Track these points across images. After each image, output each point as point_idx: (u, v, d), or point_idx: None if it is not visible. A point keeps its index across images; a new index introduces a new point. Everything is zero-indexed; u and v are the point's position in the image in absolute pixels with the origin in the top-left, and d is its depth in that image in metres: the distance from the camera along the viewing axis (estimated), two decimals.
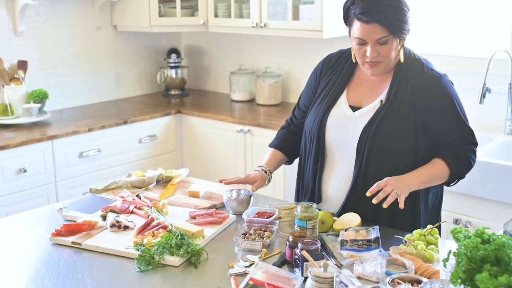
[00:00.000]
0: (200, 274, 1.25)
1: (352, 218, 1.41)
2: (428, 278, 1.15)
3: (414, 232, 1.34)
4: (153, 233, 1.39)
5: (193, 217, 1.52)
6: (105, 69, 3.16)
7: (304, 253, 1.18)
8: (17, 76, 2.73)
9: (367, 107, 1.47)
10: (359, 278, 1.17)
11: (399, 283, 1.10)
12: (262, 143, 2.63)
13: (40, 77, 2.87)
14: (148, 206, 1.56)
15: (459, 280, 0.93)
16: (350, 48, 1.51)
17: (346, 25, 1.45)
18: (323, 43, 2.77)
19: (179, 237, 1.32)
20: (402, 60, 1.44)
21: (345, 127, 1.48)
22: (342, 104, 1.50)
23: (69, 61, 3.00)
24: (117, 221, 1.45)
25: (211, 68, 3.42)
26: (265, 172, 1.58)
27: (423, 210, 1.48)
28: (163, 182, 1.79)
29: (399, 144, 1.43)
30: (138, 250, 1.30)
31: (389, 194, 1.33)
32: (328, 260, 1.26)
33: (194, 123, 2.93)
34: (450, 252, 0.98)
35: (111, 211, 1.52)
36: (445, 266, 1.05)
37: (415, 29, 2.52)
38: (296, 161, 1.66)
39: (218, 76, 3.38)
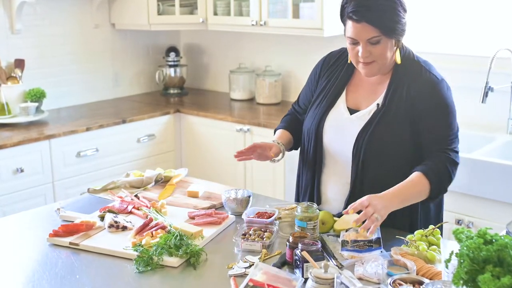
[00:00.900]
0: (199, 275, 1.25)
1: (353, 219, 1.40)
2: (430, 279, 1.15)
3: (415, 232, 1.34)
4: (152, 234, 1.38)
5: (192, 218, 1.51)
6: (103, 68, 3.15)
7: (305, 253, 1.18)
8: (14, 75, 2.71)
9: (364, 111, 1.45)
10: (360, 279, 1.17)
11: (400, 284, 1.09)
12: None
13: (38, 76, 2.86)
14: (147, 206, 1.56)
15: (461, 281, 0.93)
16: None
17: (343, 24, 1.44)
18: (323, 41, 2.76)
19: (178, 237, 1.31)
20: (398, 62, 1.42)
21: (341, 131, 1.47)
22: (340, 106, 1.48)
23: (67, 60, 2.99)
24: (115, 222, 1.44)
25: (210, 67, 3.41)
26: (278, 143, 1.54)
27: (420, 210, 1.46)
28: (161, 182, 1.78)
29: (395, 150, 1.40)
30: (137, 251, 1.30)
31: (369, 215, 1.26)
32: (329, 261, 1.25)
33: (193, 123, 2.92)
34: (452, 253, 0.98)
35: (109, 211, 1.52)
36: (447, 267, 1.04)
37: (417, 27, 2.55)
38: (296, 161, 1.64)
39: (218, 75, 3.37)
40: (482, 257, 0.91)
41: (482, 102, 2.18)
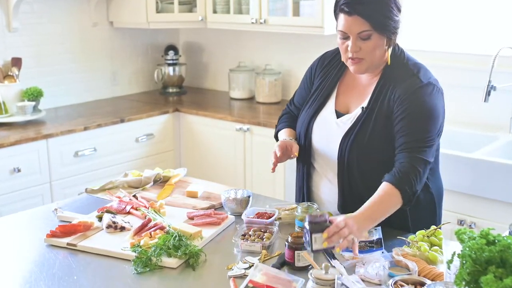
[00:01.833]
0: (198, 276, 1.24)
1: None
2: (432, 280, 1.15)
3: (417, 233, 1.34)
4: (150, 234, 1.38)
5: (191, 218, 1.51)
6: (101, 67, 3.14)
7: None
8: (11, 74, 2.70)
9: (349, 115, 1.43)
10: (361, 280, 1.15)
11: (402, 286, 1.10)
12: (262, 142, 2.61)
13: (35, 75, 2.85)
14: (145, 207, 1.55)
15: (464, 283, 0.93)
16: None
17: (335, 19, 1.42)
18: (324, 39, 2.75)
19: (176, 238, 1.31)
20: (388, 63, 1.40)
21: (328, 134, 1.46)
22: (328, 109, 1.47)
23: (65, 58, 2.97)
24: (114, 222, 1.44)
25: (209, 66, 3.40)
26: (292, 139, 1.51)
27: (409, 212, 1.43)
28: (160, 182, 1.78)
29: (378, 153, 1.38)
30: (135, 252, 1.30)
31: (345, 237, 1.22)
32: (330, 262, 1.23)
33: (192, 122, 2.91)
34: (454, 253, 0.98)
35: (107, 211, 1.51)
36: (449, 268, 1.04)
37: (419, 26, 2.54)
38: (294, 161, 1.63)
39: (217, 74, 3.36)
40: (485, 258, 0.91)
41: (485, 101, 2.16)
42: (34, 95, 2.69)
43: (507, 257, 0.91)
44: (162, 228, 1.40)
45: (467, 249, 0.92)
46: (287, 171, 2.51)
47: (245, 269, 1.23)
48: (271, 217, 1.43)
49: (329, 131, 1.46)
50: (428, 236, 1.31)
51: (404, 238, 1.32)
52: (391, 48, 1.40)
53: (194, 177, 1.85)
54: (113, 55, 3.18)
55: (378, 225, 1.34)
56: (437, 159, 1.46)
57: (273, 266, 1.22)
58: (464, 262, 0.92)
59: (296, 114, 1.60)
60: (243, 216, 1.44)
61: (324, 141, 1.47)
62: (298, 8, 2.67)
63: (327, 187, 1.48)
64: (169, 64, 3.25)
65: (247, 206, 1.53)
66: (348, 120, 1.43)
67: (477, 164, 2.00)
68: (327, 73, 1.52)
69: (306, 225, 1.17)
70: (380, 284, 1.15)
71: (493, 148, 2.17)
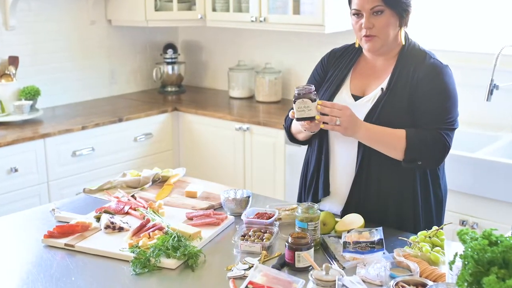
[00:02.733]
0: (197, 277, 1.24)
1: (355, 219, 1.39)
2: (434, 281, 1.14)
3: (419, 233, 1.34)
4: (149, 235, 1.38)
5: (190, 218, 1.50)
6: (99, 65, 3.13)
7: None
8: (8, 72, 2.69)
9: (368, 96, 1.48)
10: (362, 281, 1.15)
11: (403, 287, 1.09)
12: (262, 142, 2.60)
13: (32, 73, 2.84)
14: (144, 207, 1.55)
15: (466, 283, 0.93)
16: (355, 43, 1.53)
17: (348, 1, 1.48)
18: (324, 38, 2.74)
19: (175, 239, 1.31)
20: (402, 42, 1.46)
21: None
22: (343, 93, 1.51)
23: (62, 57, 2.96)
24: (112, 222, 1.44)
25: (208, 64, 3.38)
26: None
27: (421, 210, 1.46)
28: (159, 182, 1.77)
29: None
30: (133, 253, 1.30)
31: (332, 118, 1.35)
32: (330, 262, 1.23)
33: (191, 121, 2.90)
34: (456, 254, 0.97)
35: (106, 212, 1.51)
36: (451, 269, 1.04)
37: (422, 24, 2.52)
38: (296, 161, 1.62)
39: (216, 73, 3.35)
40: (487, 258, 0.92)
41: (487, 100, 2.16)
42: (31, 94, 2.68)
43: (509, 258, 0.91)
44: (160, 229, 1.40)
45: (469, 249, 0.92)
46: (287, 171, 2.50)
47: (244, 270, 1.23)
48: (271, 218, 1.43)
49: None
50: (430, 237, 1.30)
51: (405, 239, 1.32)
52: (404, 29, 1.45)
53: (193, 177, 1.85)
54: (111, 53, 3.17)
55: (379, 226, 1.34)
56: None
57: (273, 267, 1.22)
58: (466, 263, 0.93)
59: None
60: (242, 217, 1.44)
61: None
62: (298, 6, 2.66)
63: (343, 171, 1.49)
64: (168, 63, 3.24)
65: (247, 207, 1.53)
66: (368, 102, 1.46)
67: (480, 164, 1.99)
68: (339, 63, 1.56)
69: (295, 92, 1.34)
70: (381, 285, 1.15)
71: (496, 147, 2.17)
